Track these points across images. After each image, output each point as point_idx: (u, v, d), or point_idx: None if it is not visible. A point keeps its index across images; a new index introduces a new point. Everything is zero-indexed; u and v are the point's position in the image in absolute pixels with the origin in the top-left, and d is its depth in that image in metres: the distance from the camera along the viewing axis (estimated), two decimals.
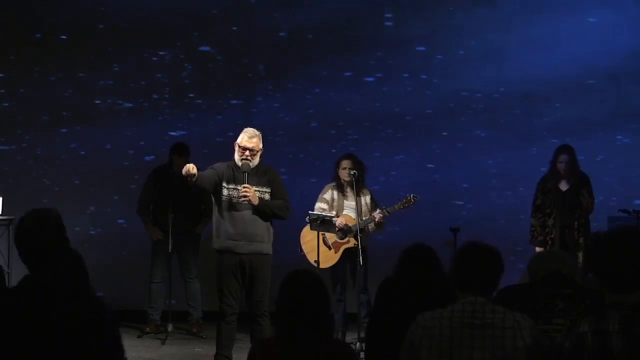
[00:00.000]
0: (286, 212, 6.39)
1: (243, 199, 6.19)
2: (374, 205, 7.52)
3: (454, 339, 3.17)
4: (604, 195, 8.39)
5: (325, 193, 7.60)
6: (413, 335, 3.27)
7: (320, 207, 7.49)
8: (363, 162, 7.62)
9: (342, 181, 7.53)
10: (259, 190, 6.27)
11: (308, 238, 7.47)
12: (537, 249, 7.50)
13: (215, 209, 6.35)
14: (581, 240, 7.68)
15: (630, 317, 2.94)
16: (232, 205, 6.25)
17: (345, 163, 7.53)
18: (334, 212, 7.40)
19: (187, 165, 6.01)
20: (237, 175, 6.26)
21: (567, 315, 3.94)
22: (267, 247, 6.32)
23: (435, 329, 3.19)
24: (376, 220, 7.37)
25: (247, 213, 6.24)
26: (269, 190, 6.33)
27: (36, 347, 2.86)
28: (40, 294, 2.92)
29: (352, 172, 7.31)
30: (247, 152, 6.26)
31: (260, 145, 6.34)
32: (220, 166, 6.34)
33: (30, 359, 2.88)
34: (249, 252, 6.24)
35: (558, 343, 3.08)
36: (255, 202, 6.21)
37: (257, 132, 6.35)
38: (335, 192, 7.56)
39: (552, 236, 7.71)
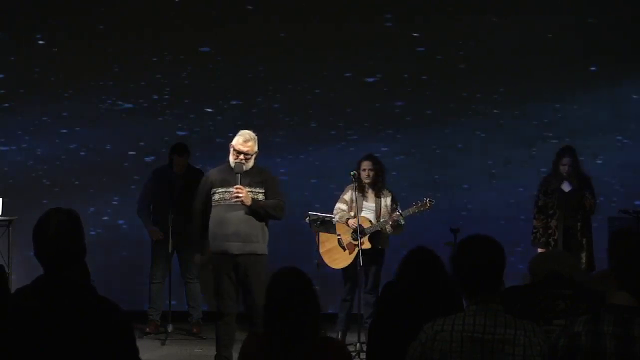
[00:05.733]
0: (280, 212, 6.36)
1: (235, 199, 6.19)
2: (395, 207, 7.48)
3: (465, 353, 3.12)
4: (604, 196, 8.38)
5: (345, 194, 7.54)
6: (426, 340, 3.20)
7: (340, 208, 7.45)
8: (382, 163, 7.58)
9: (363, 182, 7.50)
10: (252, 191, 6.25)
11: (325, 238, 7.46)
12: (539, 250, 7.47)
13: (209, 212, 6.34)
14: (584, 241, 7.63)
15: (624, 320, 2.95)
16: (225, 207, 6.24)
17: (365, 164, 7.49)
18: (352, 213, 7.36)
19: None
20: (229, 177, 6.26)
21: (568, 316, 3.92)
22: (261, 247, 6.30)
23: (445, 343, 3.15)
24: (390, 222, 7.35)
25: (241, 213, 6.23)
26: (263, 191, 6.32)
27: (54, 348, 2.86)
28: (63, 295, 2.92)
29: (351, 173, 7.28)
30: (242, 156, 6.26)
31: (255, 149, 6.33)
32: (210, 174, 6.40)
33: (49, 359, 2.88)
34: (244, 252, 6.22)
35: (553, 341, 3.08)
36: (248, 202, 6.20)
37: (253, 135, 6.33)
38: (355, 193, 7.50)
39: (555, 237, 7.66)
